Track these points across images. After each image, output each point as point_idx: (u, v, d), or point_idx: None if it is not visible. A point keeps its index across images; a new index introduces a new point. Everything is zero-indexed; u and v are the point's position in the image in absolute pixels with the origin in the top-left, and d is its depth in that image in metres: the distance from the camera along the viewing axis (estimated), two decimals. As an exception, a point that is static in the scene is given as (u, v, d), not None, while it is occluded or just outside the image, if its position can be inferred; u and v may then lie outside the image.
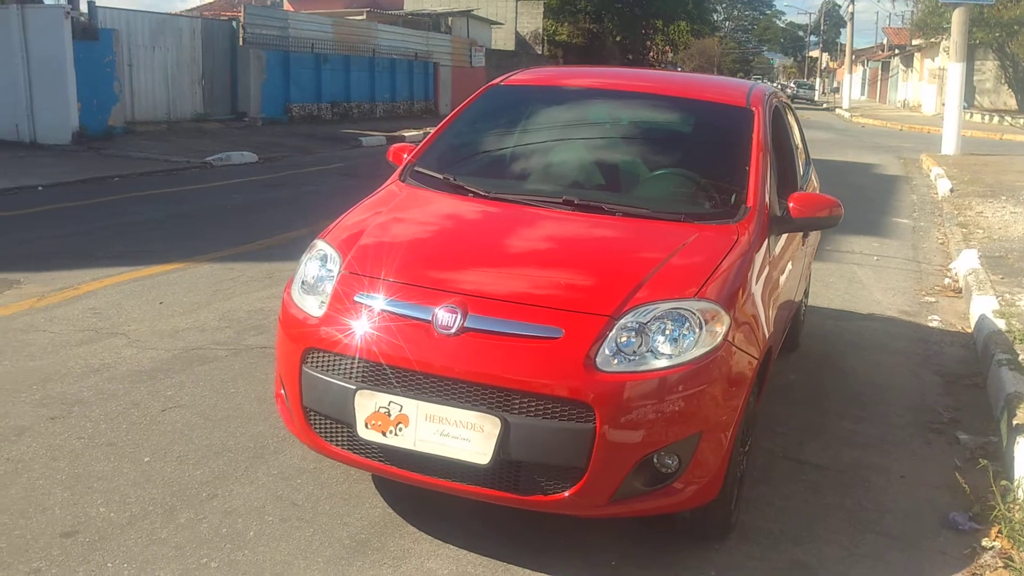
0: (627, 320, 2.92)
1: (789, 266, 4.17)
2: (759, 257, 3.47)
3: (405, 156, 4.19)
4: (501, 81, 4.55)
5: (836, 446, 4.27)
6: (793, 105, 5.64)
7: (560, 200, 3.63)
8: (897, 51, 55.38)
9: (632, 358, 2.88)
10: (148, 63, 18.45)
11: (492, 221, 3.61)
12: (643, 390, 2.84)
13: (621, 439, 2.81)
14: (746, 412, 3.20)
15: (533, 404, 2.80)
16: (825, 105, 54.08)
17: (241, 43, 20.73)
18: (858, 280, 7.72)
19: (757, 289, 3.39)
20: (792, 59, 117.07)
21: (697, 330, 2.94)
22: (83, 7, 16.08)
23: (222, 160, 14.41)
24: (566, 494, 2.82)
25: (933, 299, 7.22)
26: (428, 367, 2.87)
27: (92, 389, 4.44)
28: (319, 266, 3.32)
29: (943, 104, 22.58)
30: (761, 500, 3.67)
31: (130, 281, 6.54)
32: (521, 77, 4.61)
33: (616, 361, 2.86)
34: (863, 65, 71.71)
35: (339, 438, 3.08)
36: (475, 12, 37.42)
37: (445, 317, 2.91)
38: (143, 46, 18.29)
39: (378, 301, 3.05)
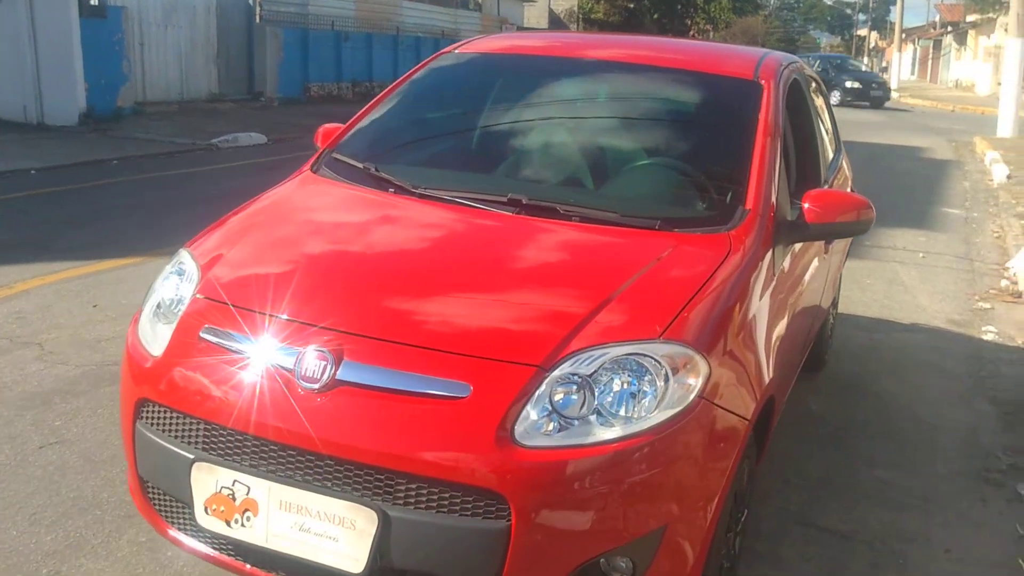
0: (563, 371, 2.11)
1: (807, 278, 3.31)
2: (759, 276, 2.62)
3: (334, 140, 3.41)
4: (454, 48, 3.72)
5: (865, 505, 3.42)
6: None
7: (504, 199, 2.80)
8: (950, 28, 53.11)
9: (572, 424, 2.07)
10: (160, 42, 17.79)
11: (406, 228, 2.78)
12: (580, 471, 2.03)
13: (548, 542, 2.01)
14: (736, 485, 2.39)
15: (424, 492, 2.00)
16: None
17: (258, 20, 20.07)
18: (900, 281, 6.77)
19: (755, 320, 2.55)
20: (839, 38, 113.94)
21: (661, 383, 2.13)
22: (90, -17, 15.48)
23: (228, 142, 13.71)
24: (466, 619, 2.03)
25: (988, 305, 6.26)
26: (282, 435, 2.08)
27: (-31, 417, 3.74)
28: (176, 284, 2.54)
29: (999, 84, 21.22)
30: (762, 585, 2.86)
31: (73, 279, 5.83)
32: (478, 44, 3.77)
33: (547, 429, 2.06)
34: (913, 44, 69.15)
35: (180, 520, 2.31)
36: (507, -11, 36.40)
37: (311, 365, 2.12)
38: (155, 24, 17.62)
39: (228, 338, 2.26)
